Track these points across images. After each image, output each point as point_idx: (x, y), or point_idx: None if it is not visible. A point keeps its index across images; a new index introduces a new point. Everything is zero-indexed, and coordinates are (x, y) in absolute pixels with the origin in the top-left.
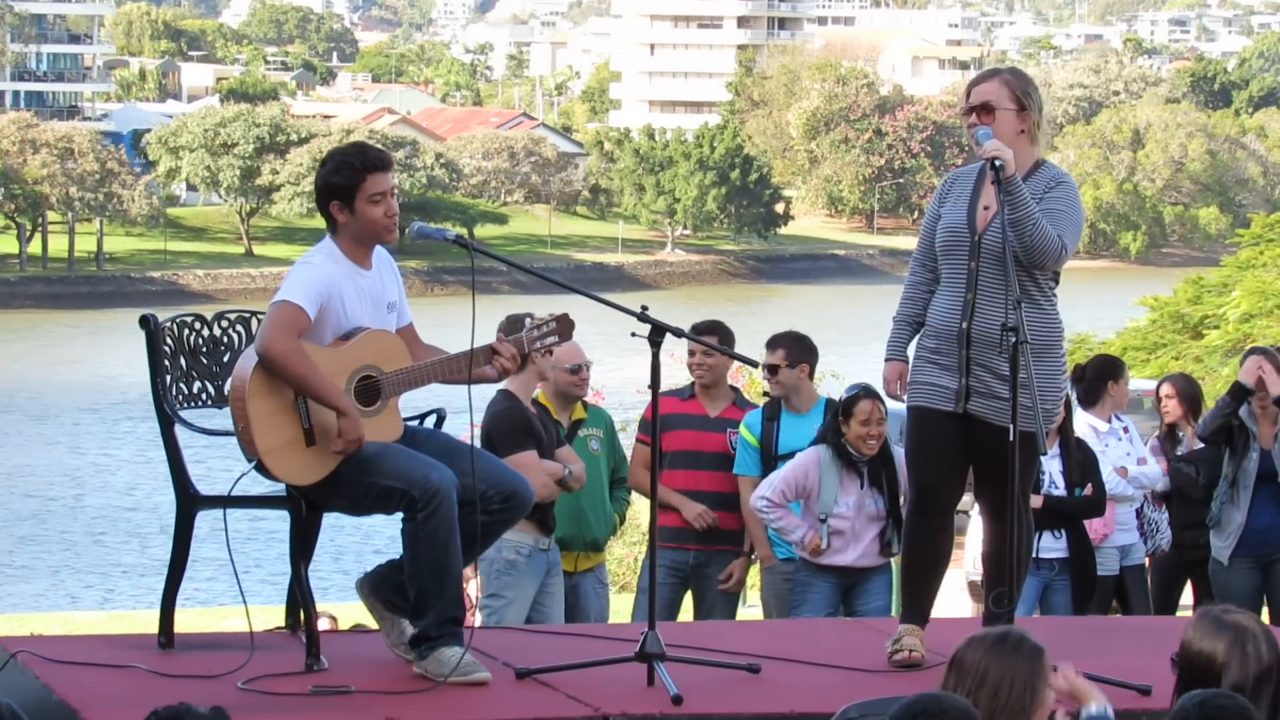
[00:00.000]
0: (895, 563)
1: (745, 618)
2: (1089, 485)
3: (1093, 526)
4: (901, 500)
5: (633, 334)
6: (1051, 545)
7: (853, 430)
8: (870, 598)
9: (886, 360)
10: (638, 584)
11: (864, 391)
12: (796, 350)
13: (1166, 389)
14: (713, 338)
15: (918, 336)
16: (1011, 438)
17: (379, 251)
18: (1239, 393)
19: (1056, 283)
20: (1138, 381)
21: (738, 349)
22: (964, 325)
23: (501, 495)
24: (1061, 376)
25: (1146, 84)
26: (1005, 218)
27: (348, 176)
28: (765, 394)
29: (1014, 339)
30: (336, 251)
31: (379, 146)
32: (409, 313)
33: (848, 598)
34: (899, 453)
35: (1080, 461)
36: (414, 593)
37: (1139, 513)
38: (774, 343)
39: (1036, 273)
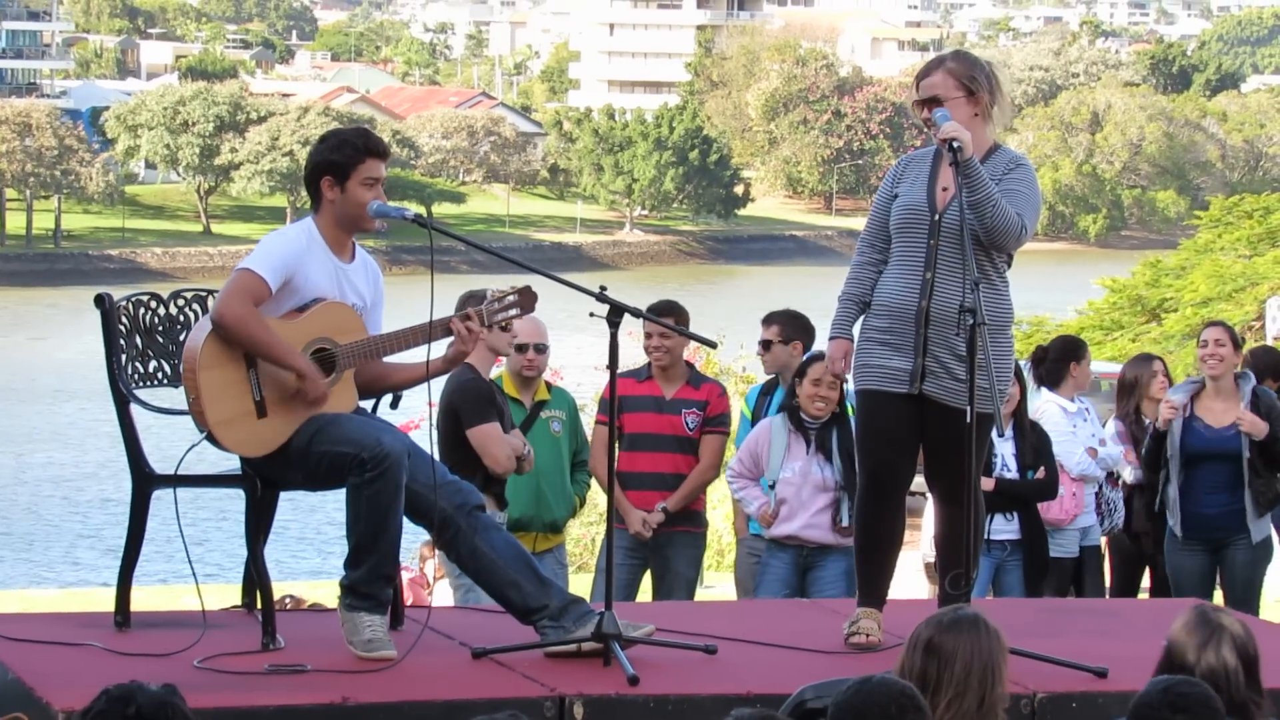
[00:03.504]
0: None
1: (703, 599)
2: (1041, 469)
3: (1064, 506)
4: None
5: (591, 314)
6: (1003, 527)
7: (805, 390)
8: (824, 586)
9: (832, 339)
10: (596, 564)
11: (820, 355)
12: (791, 327)
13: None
14: (669, 319)
15: (862, 317)
16: (969, 419)
17: (364, 257)
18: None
19: (1009, 264)
20: (1097, 364)
21: (695, 330)
22: (923, 304)
23: (452, 505)
24: (1011, 357)
25: (1106, 66)
26: (965, 199)
27: (348, 155)
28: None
29: (971, 320)
30: (314, 232)
31: (380, 136)
32: (380, 326)
33: (805, 584)
34: None
35: (1034, 445)
36: (350, 543)
37: (1098, 493)
38: (769, 319)
39: (994, 254)
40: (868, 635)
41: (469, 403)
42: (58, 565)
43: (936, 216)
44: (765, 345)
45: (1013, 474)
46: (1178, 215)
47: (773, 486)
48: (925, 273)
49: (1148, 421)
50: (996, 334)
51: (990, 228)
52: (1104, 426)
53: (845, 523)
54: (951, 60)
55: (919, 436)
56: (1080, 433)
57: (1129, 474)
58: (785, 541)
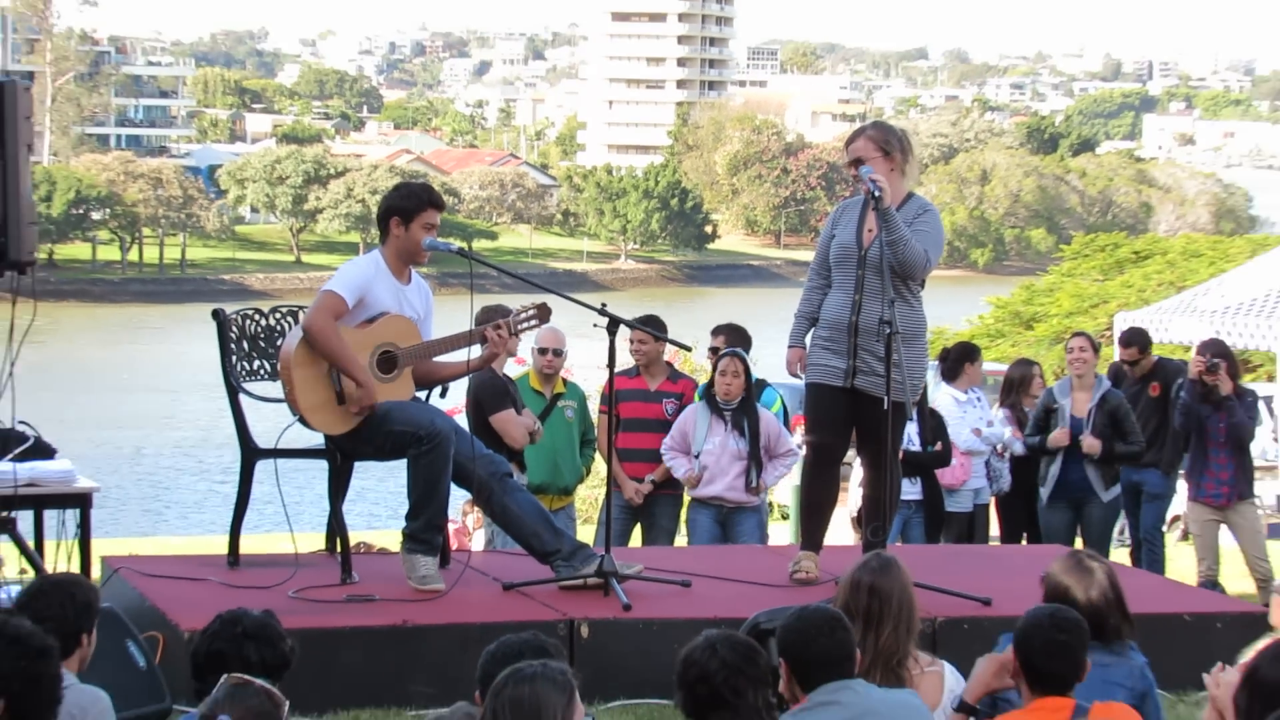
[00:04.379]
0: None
1: (680, 544)
2: (938, 443)
3: (954, 474)
4: (760, 445)
5: (594, 325)
6: (909, 489)
7: (715, 379)
8: (743, 538)
9: (789, 347)
10: (598, 518)
11: (730, 353)
12: (733, 337)
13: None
14: (651, 328)
15: (813, 329)
16: (886, 406)
17: (419, 280)
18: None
19: (922, 288)
20: (985, 364)
21: (675, 337)
22: (853, 319)
23: (487, 472)
24: (925, 358)
25: (992, 134)
26: (883, 239)
27: (414, 203)
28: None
29: (889, 330)
30: (381, 261)
31: (440, 192)
32: (431, 333)
33: (728, 537)
34: (764, 414)
35: (933, 426)
36: (410, 501)
37: (987, 463)
38: (716, 330)
39: (908, 280)
40: (808, 572)
41: (488, 395)
42: (175, 520)
43: (863, 252)
44: (714, 350)
45: (916, 448)
46: (1047, 249)
47: (697, 456)
48: (855, 295)
49: (1027, 410)
50: (912, 341)
51: (902, 260)
52: (991, 410)
53: (754, 484)
54: (872, 129)
55: (852, 419)
56: (969, 417)
57: (1018, 448)
58: (709, 501)
